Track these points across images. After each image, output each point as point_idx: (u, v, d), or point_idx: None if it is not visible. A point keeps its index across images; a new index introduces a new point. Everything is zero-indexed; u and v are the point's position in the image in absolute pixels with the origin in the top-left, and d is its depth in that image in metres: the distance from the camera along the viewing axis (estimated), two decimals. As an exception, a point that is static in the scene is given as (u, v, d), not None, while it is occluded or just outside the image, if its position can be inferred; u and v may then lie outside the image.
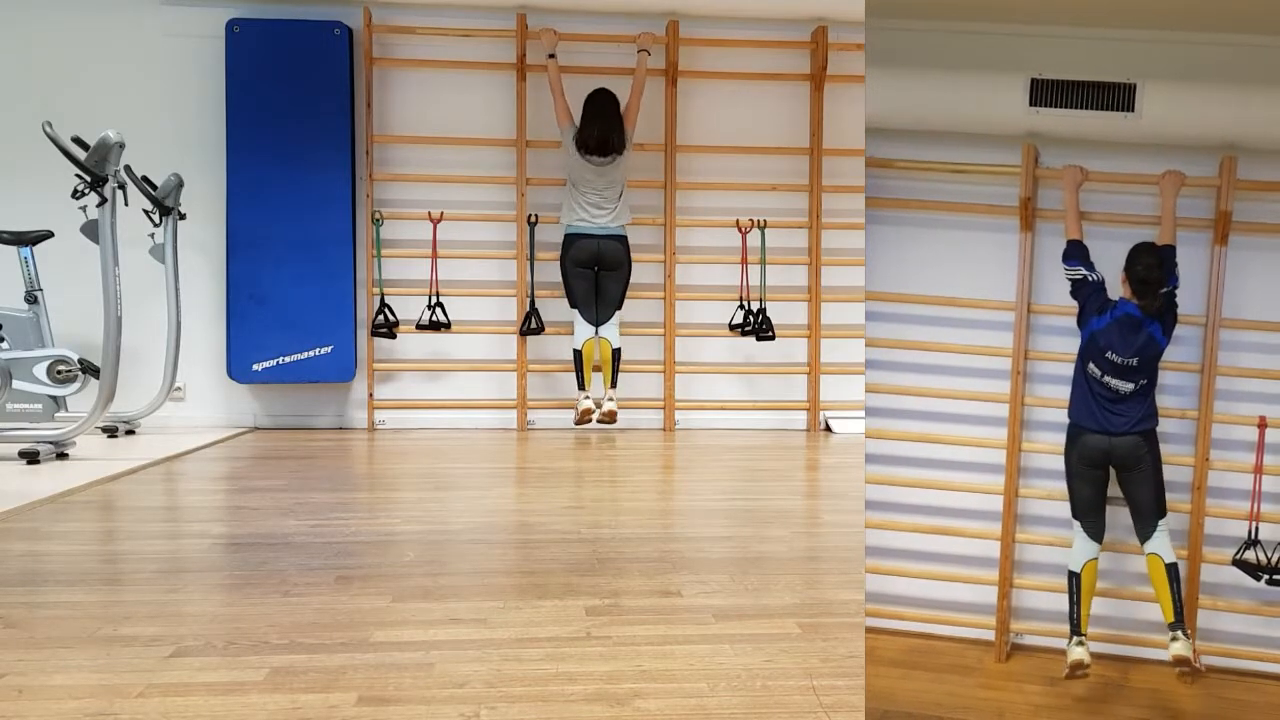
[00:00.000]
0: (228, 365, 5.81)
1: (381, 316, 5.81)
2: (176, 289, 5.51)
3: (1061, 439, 2.38)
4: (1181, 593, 2.27)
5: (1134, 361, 2.28)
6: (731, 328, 5.99)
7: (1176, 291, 2.32)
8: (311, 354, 5.82)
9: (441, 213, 5.91)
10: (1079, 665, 2.27)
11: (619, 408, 5.63)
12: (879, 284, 2.43)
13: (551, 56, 5.73)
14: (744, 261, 6.03)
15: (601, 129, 5.55)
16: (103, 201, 4.43)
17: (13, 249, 5.24)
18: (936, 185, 2.46)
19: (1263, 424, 2.33)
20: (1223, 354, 2.38)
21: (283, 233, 5.78)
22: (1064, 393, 2.38)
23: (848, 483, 4.27)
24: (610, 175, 5.61)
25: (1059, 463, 2.39)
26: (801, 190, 6.16)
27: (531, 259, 5.91)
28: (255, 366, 5.79)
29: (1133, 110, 2.29)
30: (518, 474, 4.56)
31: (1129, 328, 2.28)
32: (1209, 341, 2.38)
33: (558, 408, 6.05)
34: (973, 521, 2.52)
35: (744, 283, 6.02)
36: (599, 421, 5.60)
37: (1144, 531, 2.31)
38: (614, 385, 5.63)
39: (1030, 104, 2.31)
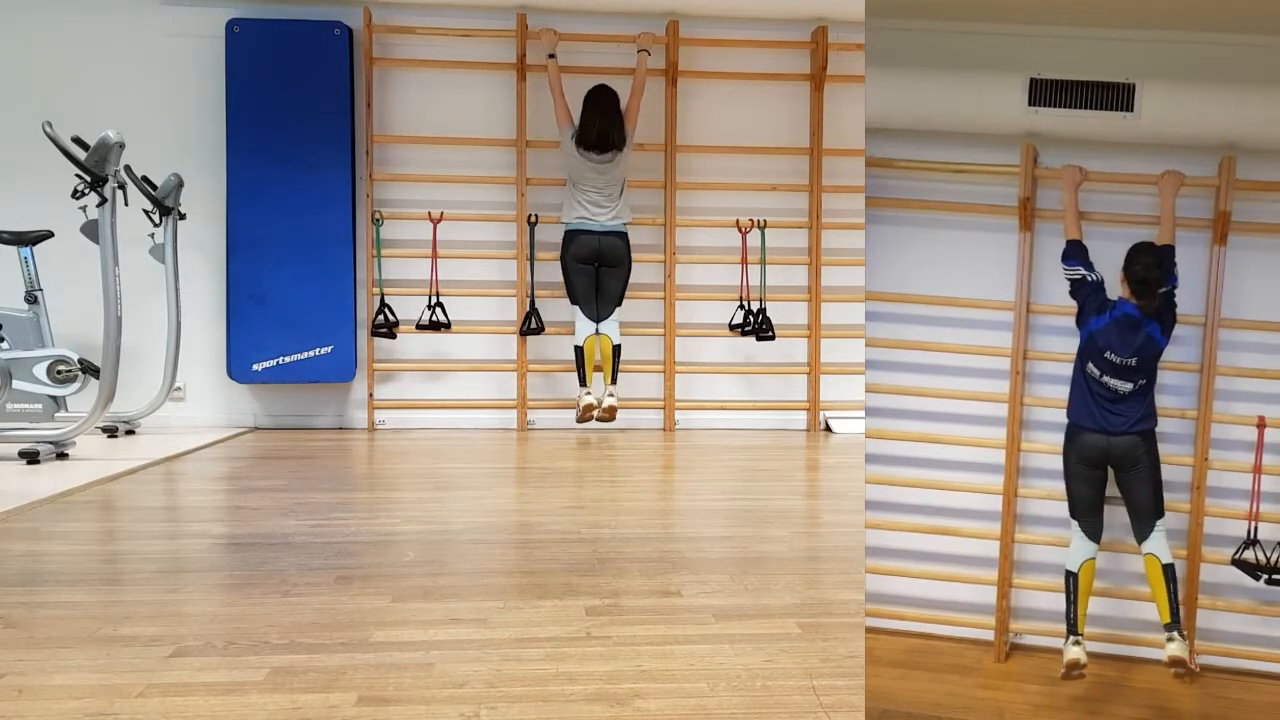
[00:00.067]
0: (228, 365, 5.81)
1: (381, 316, 5.81)
2: (176, 289, 5.51)
3: (1061, 439, 2.38)
4: (1178, 593, 2.27)
5: (1133, 361, 2.28)
6: (731, 328, 5.99)
7: (1175, 291, 2.32)
8: (311, 354, 5.82)
9: (441, 213, 5.91)
10: (1075, 665, 2.27)
11: (619, 404, 5.63)
12: (879, 284, 2.43)
13: (551, 56, 5.73)
14: (744, 261, 6.03)
15: (601, 124, 5.55)
16: (103, 201, 4.43)
17: (13, 249, 5.24)
18: (936, 185, 2.46)
19: (1261, 424, 2.34)
20: (1222, 354, 2.38)
21: (283, 233, 5.79)
22: (1063, 393, 2.39)
23: (848, 483, 4.28)
24: (611, 173, 5.61)
25: (1058, 463, 2.39)
26: (801, 190, 6.17)
27: (531, 259, 5.92)
28: (255, 366, 5.79)
29: (1132, 110, 2.29)
30: (518, 474, 4.56)
31: (1128, 328, 2.29)
32: (1208, 341, 2.38)
33: (558, 408, 6.05)
34: (973, 522, 2.52)
35: (744, 283, 6.02)
36: (598, 419, 5.60)
37: (1141, 531, 2.31)
38: (614, 382, 5.63)
39: (1029, 104, 2.31)
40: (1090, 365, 2.31)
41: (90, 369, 4.92)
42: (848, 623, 2.21)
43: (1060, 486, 2.39)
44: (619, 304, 5.70)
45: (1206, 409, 2.38)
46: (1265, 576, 2.30)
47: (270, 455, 4.93)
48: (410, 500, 3.82)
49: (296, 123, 5.78)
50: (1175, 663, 2.24)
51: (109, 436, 5.31)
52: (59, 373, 5.00)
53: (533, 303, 5.89)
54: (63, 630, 2.14)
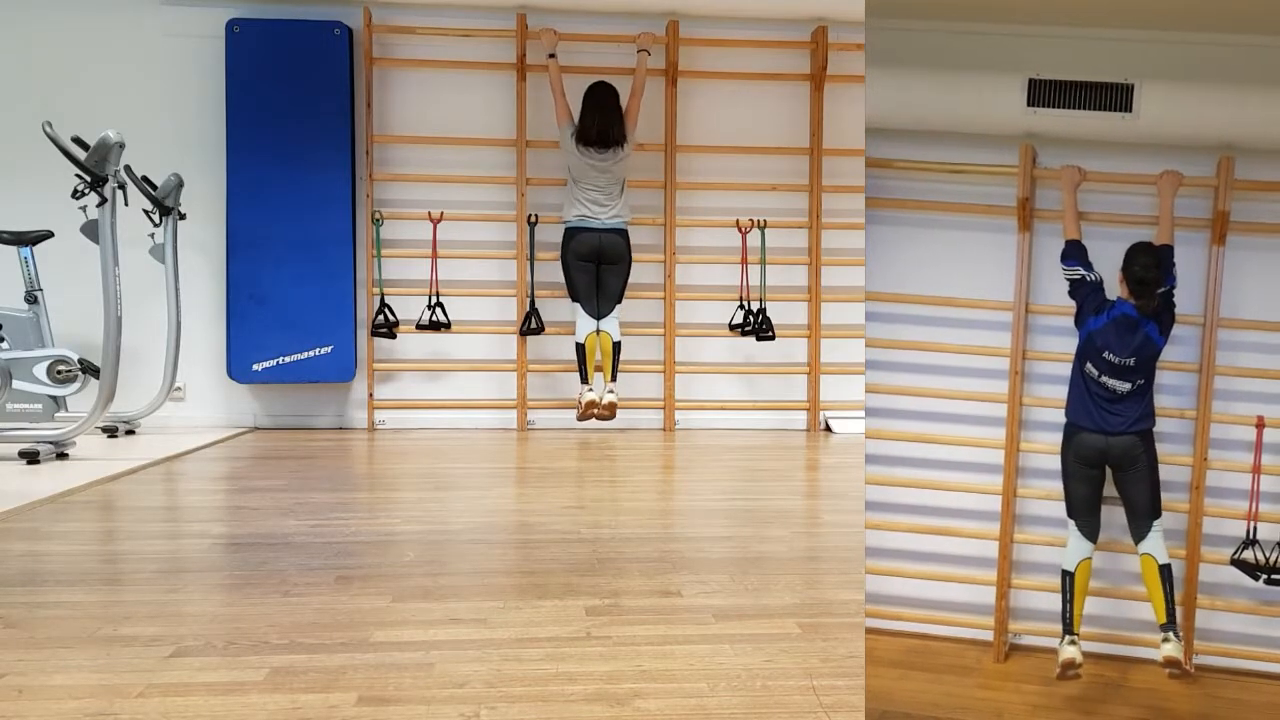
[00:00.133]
0: (228, 365, 5.81)
1: (381, 316, 5.82)
2: (176, 289, 5.51)
3: (1060, 439, 2.38)
4: (1174, 594, 2.28)
5: (1131, 361, 2.28)
6: (731, 328, 5.99)
7: (1174, 291, 2.33)
8: (311, 354, 5.82)
9: (441, 213, 5.91)
10: (1070, 664, 2.27)
11: (619, 402, 5.62)
12: (879, 284, 2.43)
13: (552, 56, 5.74)
14: (744, 261, 6.03)
15: (601, 121, 5.56)
16: (103, 201, 4.44)
17: (13, 249, 5.24)
18: (936, 185, 2.47)
19: (1261, 423, 2.34)
20: (1221, 354, 2.38)
21: (283, 233, 5.79)
22: (1063, 393, 2.39)
23: (848, 483, 4.28)
24: (611, 172, 5.61)
25: (1057, 463, 2.39)
26: (801, 190, 6.17)
27: (531, 259, 5.92)
28: (255, 366, 5.79)
29: (1130, 110, 2.29)
30: (518, 474, 4.56)
31: (1126, 328, 2.29)
32: (1207, 341, 2.38)
33: (558, 408, 6.05)
34: (972, 522, 2.52)
35: (744, 283, 6.02)
36: (599, 416, 5.59)
37: (1139, 532, 2.32)
38: (614, 379, 5.63)
39: (1028, 104, 2.31)
40: (1089, 365, 2.31)
41: (90, 369, 4.92)
42: (848, 623, 2.22)
43: (1059, 487, 2.39)
44: (619, 301, 5.70)
45: (1205, 409, 2.38)
46: (1264, 576, 2.30)
47: (270, 455, 4.94)
48: (410, 500, 3.82)
49: (296, 123, 5.78)
50: (1170, 663, 2.24)
51: (109, 436, 5.31)
52: (59, 373, 5.00)
53: (533, 303, 5.89)
54: (63, 630, 2.14)
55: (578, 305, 5.66)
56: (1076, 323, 2.35)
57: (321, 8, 5.89)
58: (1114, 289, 2.33)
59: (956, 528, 2.51)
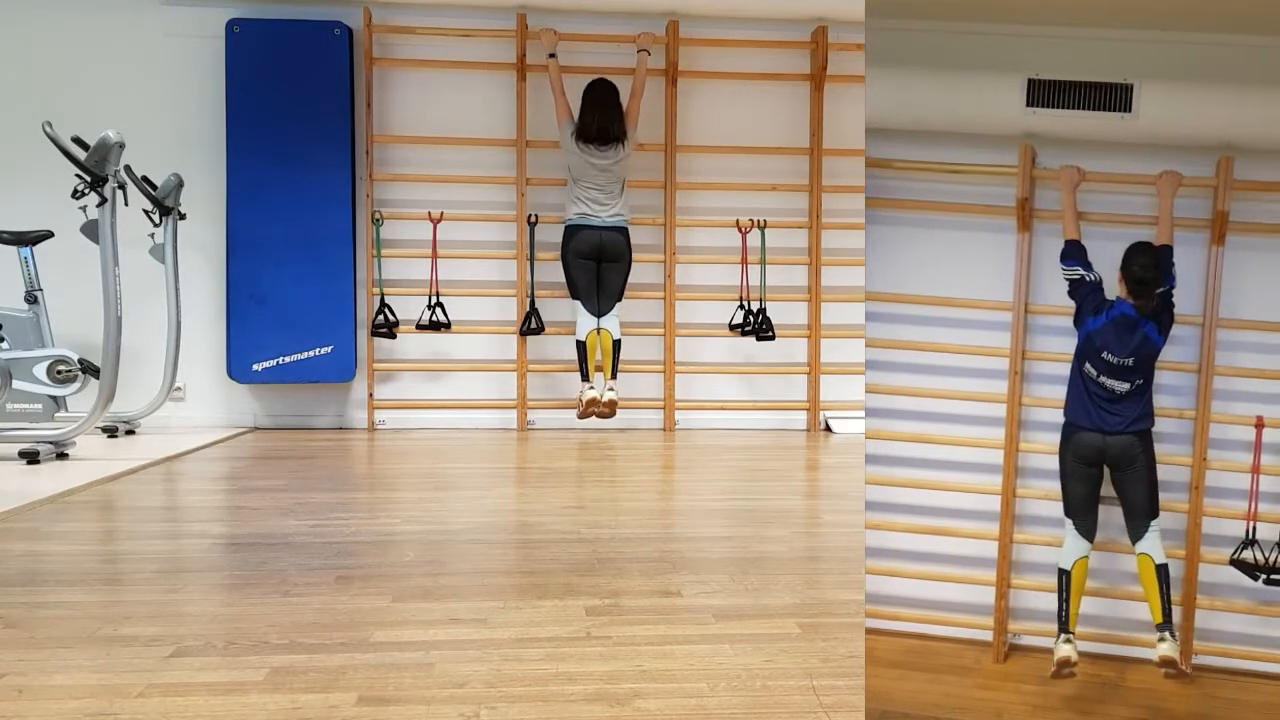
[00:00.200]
0: (228, 365, 5.81)
1: (381, 316, 5.82)
2: (176, 289, 5.51)
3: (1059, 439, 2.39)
4: (1170, 594, 2.28)
5: (1130, 361, 2.29)
6: (731, 328, 5.99)
7: (1173, 291, 2.33)
8: (311, 354, 5.83)
9: (441, 213, 5.91)
10: (1065, 662, 2.27)
11: (619, 399, 5.62)
12: (879, 284, 2.43)
13: (552, 56, 5.74)
14: (744, 261, 6.03)
15: (601, 117, 5.56)
16: (103, 201, 4.44)
17: (13, 249, 5.24)
18: (936, 185, 2.47)
19: (1260, 424, 2.34)
20: (1220, 354, 2.38)
21: (283, 233, 5.79)
22: (1063, 393, 2.39)
23: (848, 483, 4.28)
24: (612, 170, 5.61)
25: (1057, 462, 2.39)
26: (801, 190, 6.17)
27: (531, 259, 5.92)
28: (255, 366, 5.80)
29: (1130, 110, 2.29)
30: (518, 474, 4.56)
31: (1125, 328, 2.29)
32: (1206, 341, 2.38)
33: (558, 408, 6.05)
34: (972, 522, 2.52)
35: (744, 283, 6.02)
36: (599, 414, 5.59)
37: (1136, 531, 2.32)
38: (614, 376, 5.63)
39: (1027, 104, 2.31)
40: (1087, 365, 2.32)
41: (90, 369, 4.92)
42: (848, 623, 2.22)
43: (1059, 487, 2.39)
44: (620, 299, 5.70)
45: (1205, 409, 2.38)
46: (1263, 576, 2.30)
47: (270, 455, 4.94)
48: (410, 500, 3.82)
49: (296, 123, 5.79)
50: (1166, 663, 2.24)
51: (109, 436, 5.31)
52: (59, 373, 5.00)
53: (533, 303, 5.90)
54: (63, 630, 2.14)
55: (578, 303, 5.67)
56: (1075, 323, 2.35)
57: (321, 8, 5.89)
58: (1113, 289, 2.33)
59: (956, 528, 2.51)
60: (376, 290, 5.84)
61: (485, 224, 6.01)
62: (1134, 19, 2.24)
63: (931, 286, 2.47)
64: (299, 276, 5.80)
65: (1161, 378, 2.37)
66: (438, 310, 5.87)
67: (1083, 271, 2.34)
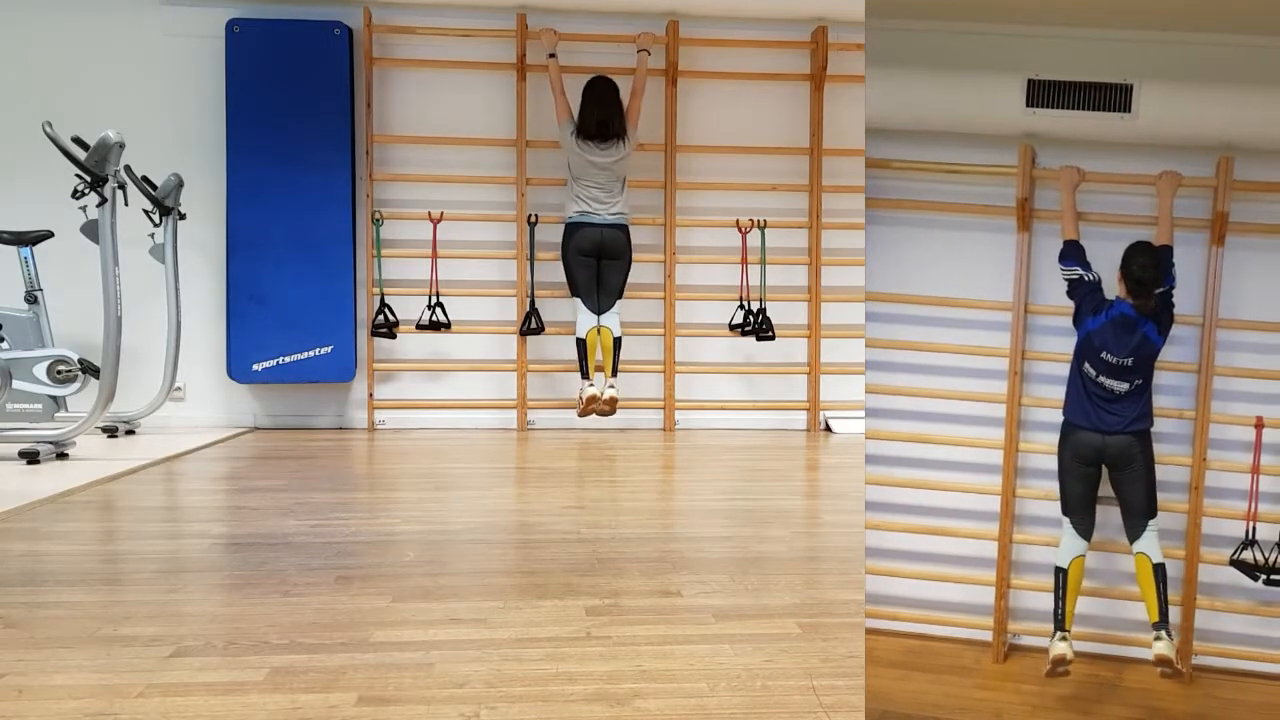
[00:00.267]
0: (228, 365, 5.81)
1: (381, 316, 5.82)
2: (176, 289, 5.51)
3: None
4: (1167, 593, 2.28)
5: (1129, 361, 2.29)
6: (731, 328, 5.99)
7: (1173, 291, 2.33)
8: (311, 354, 5.83)
9: (441, 213, 5.91)
10: (1061, 660, 2.28)
11: (619, 397, 5.62)
12: (879, 284, 2.43)
13: (552, 56, 5.74)
14: (744, 261, 6.03)
15: (601, 113, 5.56)
16: (103, 201, 4.44)
17: (13, 249, 5.24)
18: (935, 186, 2.47)
19: (1260, 424, 2.34)
20: (1220, 354, 2.38)
21: (283, 233, 5.79)
22: (1062, 393, 2.39)
23: (848, 483, 4.28)
24: (612, 170, 5.61)
25: (1055, 462, 2.39)
26: (801, 190, 6.17)
27: (531, 259, 5.92)
28: (255, 366, 5.80)
29: (1129, 111, 2.29)
30: (518, 474, 4.56)
31: (1124, 328, 2.29)
32: (1206, 341, 2.38)
33: (558, 408, 6.06)
34: (972, 522, 2.52)
35: (744, 283, 6.02)
36: (599, 412, 5.59)
37: (1133, 531, 2.32)
38: (615, 374, 5.63)
39: (1027, 105, 2.31)
40: (1086, 365, 2.32)
41: (90, 369, 4.93)
42: (848, 623, 2.22)
43: (1057, 486, 2.40)
44: (620, 296, 5.70)
45: (1205, 409, 2.39)
46: (1263, 577, 2.30)
47: (270, 455, 4.94)
48: (410, 500, 3.82)
49: (296, 123, 5.79)
50: (1161, 661, 2.24)
51: (109, 436, 5.31)
52: (59, 373, 5.00)
53: (533, 303, 5.90)
54: (63, 630, 2.14)
55: (578, 301, 5.66)
56: (1075, 322, 2.35)
57: (321, 8, 5.89)
58: (1112, 289, 2.34)
59: (956, 528, 2.51)
60: (376, 290, 5.84)
61: (485, 224, 6.01)
62: (1134, 19, 2.24)
63: (931, 286, 2.47)
64: (299, 276, 5.80)
65: (1161, 378, 2.37)
66: (438, 310, 5.87)
67: (1081, 271, 2.34)
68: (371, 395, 5.99)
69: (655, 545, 2.97)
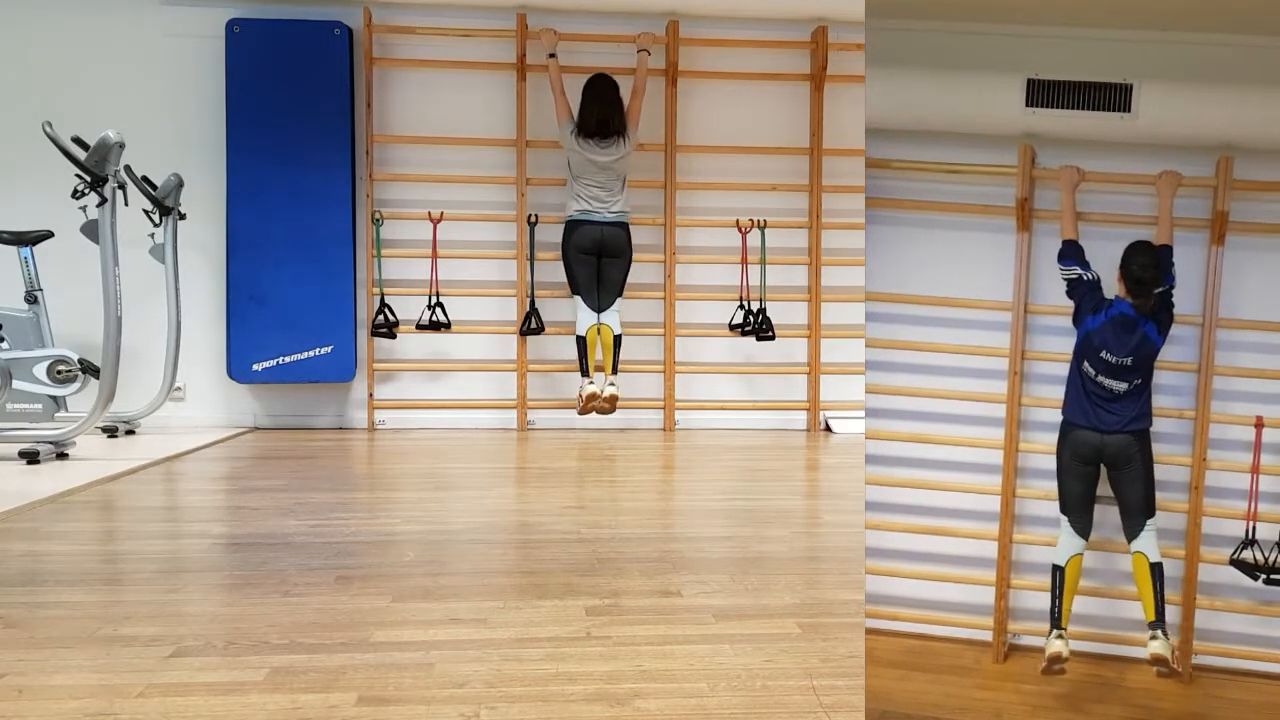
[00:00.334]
0: (228, 365, 5.81)
1: (381, 316, 5.82)
2: (176, 289, 5.51)
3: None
4: (1164, 592, 2.28)
5: (1128, 361, 2.29)
6: (731, 328, 5.99)
7: (1173, 291, 2.33)
8: (311, 354, 5.83)
9: (441, 213, 5.91)
10: (1057, 658, 2.28)
11: (619, 395, 5.62)
12: (879, 284, 2.43)
13: (552, 56, 5.74)
14: (744, 261, 6.03)
15: (601, 111, 5.56)
16: (103, 201, 4.44)
17: (13, 249, 5.24)
18: (936, 186, 2.47)
19: (1260, 424, 2.34)
20: (1220, 354, 2.38)
21: (283, 233, 5.79)
22: (1062, 393, 2.39)
23: (848, 483, 4.28)
24: (612, 169, 5.61)
25: (1054, 461, 2.39)
26: (801, 190, 6.17)
27: (531, 259, 5.92)
28: (255, 366, 5.80)
29: (1129, 111, 2.29)
30: (518, 474, 4.56)
31: (1123, 327, 2.29)
32: (1206, 341, 2.38)
33: (558, 408, 6.05)
34: (972, 522, 2.52)
35: (744, 283, 6.02)
36: (599, 410, 5.59)
37: (1131, 530, 2.32)
38: (615, 372, 5.63)
39: (1027, 104, 2.31)
40: (1086, 364, 2.32)
41: (90, 369, 4.92)
42: (848, 623, 2.22)
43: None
44: (620, 294, 5.70)
45: (1204, 409, 2.39)
46: (1263, 576, 2.30)
47: (270, 455, 4.94)
48: (410, 500, 3.82)
49: (296, 123, 5.79)
50: (1157, 661, 2.24)
51: (109, 436, 5.31)
52: (59, 373, 5.00)
53: (533, 303, 5.90)
54: (63, 630, 2.14)
55: (578, 298, 5.66)
56: (1074, 322, 2.35)
57: (321, 8, 5.89)
58: (1112, 288, 2.34)
59: (956, 528, 2.51)
60: (376, 290, 5.84)
61: (485, 224, 6.01)
62: (1134, 19, 2.24)
63: (931, 286, 2.47)
64: (299, 276, 5.80)
65: (1161, 378, 2.37)
66: (438, 310, 5.87)
67: (1080, 271, 2.34)
68: (371, 395, 5.99)
69: (655, 545, 2.97)
